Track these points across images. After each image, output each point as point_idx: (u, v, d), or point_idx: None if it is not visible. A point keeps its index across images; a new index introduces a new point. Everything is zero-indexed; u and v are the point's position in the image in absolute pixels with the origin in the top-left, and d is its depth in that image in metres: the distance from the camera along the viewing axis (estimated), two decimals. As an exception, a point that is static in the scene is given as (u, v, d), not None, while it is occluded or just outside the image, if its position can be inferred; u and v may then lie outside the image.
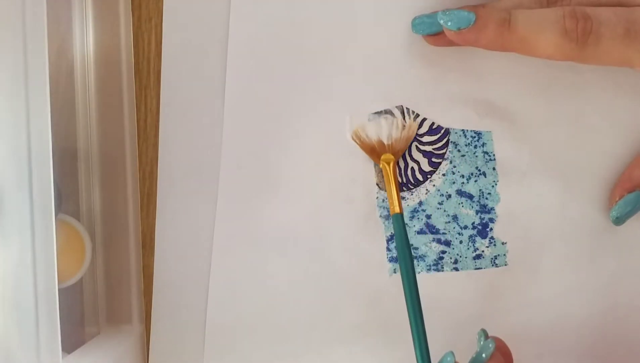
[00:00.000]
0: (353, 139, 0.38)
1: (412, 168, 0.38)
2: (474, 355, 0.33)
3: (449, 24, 0.33)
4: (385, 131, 0.37)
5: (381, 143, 0.37)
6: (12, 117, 0.29)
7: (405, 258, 0.35)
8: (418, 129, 0.38)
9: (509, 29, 0.33)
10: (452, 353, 0.32)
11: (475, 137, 0.38)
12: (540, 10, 0.33)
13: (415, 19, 0.37)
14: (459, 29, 0.33)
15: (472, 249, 0.38)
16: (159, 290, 0.39)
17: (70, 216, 0.37)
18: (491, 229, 0.38)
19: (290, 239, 0.38)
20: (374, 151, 0.37)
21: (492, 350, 0.32)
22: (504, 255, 0.38)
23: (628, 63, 0.33)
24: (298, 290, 0.38)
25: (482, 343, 0.33)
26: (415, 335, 0.34)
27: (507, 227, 0.38)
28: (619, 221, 0.37)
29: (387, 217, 0.38)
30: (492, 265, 0.38)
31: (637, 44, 0.32)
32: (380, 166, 0.37)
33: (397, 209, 0.36)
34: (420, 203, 0.38)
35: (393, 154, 0.37)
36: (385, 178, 0.37)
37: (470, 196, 0.38)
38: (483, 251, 0.38)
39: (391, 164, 0.37)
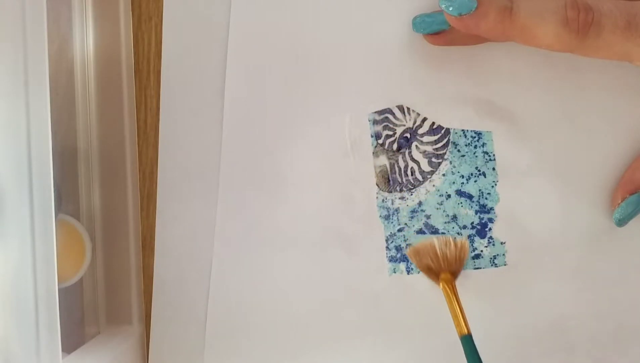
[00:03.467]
0: (409, 256, 0.37)
1: (412, 168, 0.38)
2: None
3: (450, 9, 0.33)
4: (439, 250, 0.36)
5: (437, 260, 0.36)
6: (12, 117, 0.29)
7: None
8: (418, 129, 0.38)
9: (510, 16, 0.33)
10: None
11: (475, 137, 0.38)
12: None
13: (415, 17, 0.37)
14: (460, 14, 0.33)
15: (471, 249, 0.38)
16: (159, 290, 0.39)
17: (70, 216, 0.37)
18: (490, 229, 0.38)
19: (291, 239, 0.38)
20: (430, 269, 0.37)
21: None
22: (503, 255, 0.38)
23: (627, 57, 0.33)
24: (298, 290, 0.38)
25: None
26: None
27: (506, 227, 0.38)
28: (621, 222, 0.37)
29: (387, 217, 0.38)
30: (492, 265, 0.38)
31: (638, 37, 0.32)
32: (441, 286, 0.36)
33: (464, 331, 0.34)
34: (420, 203, 0.38)
35: (451, 273, 0.36)
36: (447, 298, 0.35)
37: (470, 196, 0.38)
38: (482, 251, 0.38)
39: (451, 284, 0.36)
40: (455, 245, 0.36)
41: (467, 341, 0.34)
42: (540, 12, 0.32)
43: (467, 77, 0.38)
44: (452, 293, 0.35)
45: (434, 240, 0.37)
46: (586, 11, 0.32)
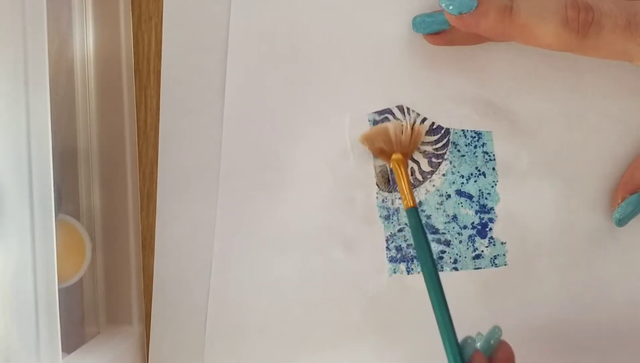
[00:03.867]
0: (361, 141, 0.38)
1: (412, 168, 0.38)
2: (482, 342, 0.33)
3: (451, 8, 0.33)
4: (392, 133, 0.37)
5: (390, 143, 0.37)
6: (12, 117, 0.29)
7: (424, 252, 0.34)
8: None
9: (510, 16, 0.33)
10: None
11: (475, 137, 0.38)
12: None
13: (415, 17, 0.37)
14: (460, 13, 0.33)
15: (471, 249, 0.38)
16: (159, 290, 0.39)
17: (70, 216, 0.37)
18: (490, 229, 0.38)
19: (291, 239, 0.38)
20: (383, 152, 0.37)
21: (500, 335, 0.33)
22: (504, 254, 0.38)
23: (627, 57, 0.33)
24: (298, 290, 0.38)
25: (489, 331, 0.33)
26: (442, 327, 0.33)
27: (506, 227, 0.38)
28: (621, 222, 0.37)
29: (387, 217, 0.38)
30: (492, 265, 0.38)
31: (638, 37, 0.32)
32: (391, 165, 0.37)
33: (410, 204, 0.36)
34: (420, 203, 0.38)
35: (402, 154, 0.37)
36: (396, 177, 0.37)
37: (470, 196, 0.38)
38: (482, 251, 0.38)
39: (401, 164, 0.37)
40: (412, 129, 0.37)
41: (413, 213, 0.35)
42: (541, 12, 0.32)
43: (467, 77, 0.38)
44: (402, 171, 0.36)
45: (388, 124, 0.37)
46: (586, 11, 0.32)
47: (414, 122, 0.38)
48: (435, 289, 0.34)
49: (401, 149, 0.37)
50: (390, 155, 0.37)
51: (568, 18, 0.32)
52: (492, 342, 0.33)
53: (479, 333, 0.34)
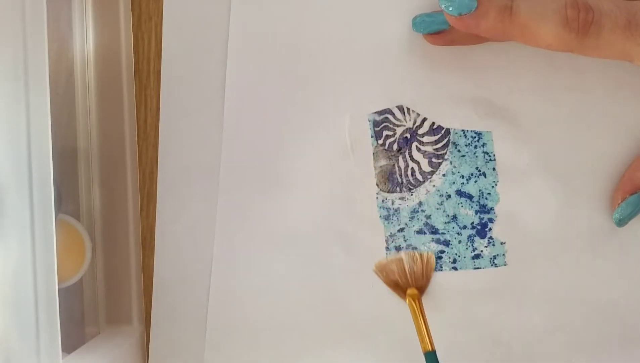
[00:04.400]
0: (375, 272, 0.38)
1: (412, 168, 0.38)
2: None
3: (450, 9, 0.33)
4: (407, 266, 0.37)
5: (405, 276, 0.37)
6: (12, 117, 0.29)
7: None
8: (418, 129, 0.38)
9: (510, 16, 0.33)
10: None
11: (475, 137, 0.38)
12: None
13: (415, 17, 0.37)
14: (460, 14, 0.33)
15: (470, 249, 0.38)
16: (159, 290, 0.39)
17: (70, 216, 0.37)
18: (490, 229, 0.38)
19: (291, 239, 0.38)
20: (397, 285, 0.37)
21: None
22: (503, 254, 0.38)
23: (627, 56, 0.33)
24: (298, 290, 0.38)
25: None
26: None
27: (506, 227, 0.38)
28: (621, 223, 0.37)
29: (387, 217, 0.38)
30: (491, 265, 0.38)
31: (638, 37, 0.32)
32: (407, 302, 0.36)
33: (428, 347, 0.35)
34: (420, 203, 0.38)
35: (417, 289, 0.37)
36: (412, 314, 0.36)
37: (470, 197, 0.38)
38: (482, 251, 0.38)
39: (417, 300, 0.36)
40: (422, 259, 0.37)
41: (431, 358, 0.34)
42: (541, 12, 0.32)
43: (467, 77, 0.38)
44: (419, 310, 0.36)
45: (402, 255, 0.37)
46: (586, 10, 0.32)
47: (425, 253, 0.37)
48: None
49: (415, 283, 0.37)
50: (405, 289, 0.37)
51: (568, 18, 0.32)
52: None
53: None
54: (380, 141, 0.38)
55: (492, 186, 0.38)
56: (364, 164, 0.38)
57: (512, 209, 0.38)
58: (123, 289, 0.39)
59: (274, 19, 0.38)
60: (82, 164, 0.39)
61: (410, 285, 0.37)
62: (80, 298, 0.39)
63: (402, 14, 0.38)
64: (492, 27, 0.33)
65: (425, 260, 0.37)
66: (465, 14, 0.33)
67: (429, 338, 0.35)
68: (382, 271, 0.37)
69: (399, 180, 0.38)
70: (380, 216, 0.38)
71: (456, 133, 0.38)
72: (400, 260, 0.37)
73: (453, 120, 0.38)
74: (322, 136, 0.38)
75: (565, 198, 0.37)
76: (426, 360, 0.34)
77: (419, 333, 0.35)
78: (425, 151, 0.38)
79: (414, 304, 0.36)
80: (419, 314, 0.36)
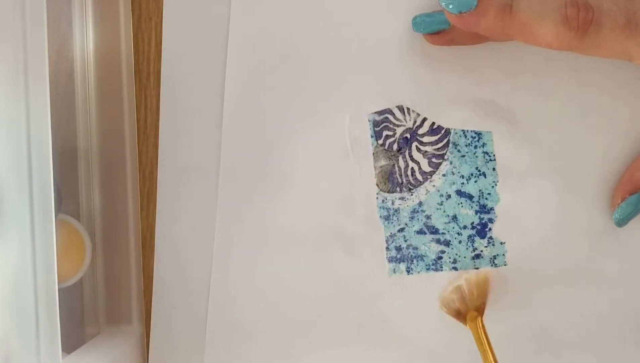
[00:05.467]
0: (441, 308, 0.37)
1: (412, 168, 0.38)
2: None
3: (450, 7, 0.33)
4: (466, 290, 0.37)
5: (464, 302, 0.37)
6: (12, 117, 0.29)
7: None
8: (418, 129, 0.38)
9: (510, 14, 0.33)
10: None
11: (475, 137, 0.38)
12: None
13: (415, 17, 0.37)
14: (460, 12, 0.33)
15: (470, 249, 0.38)
16: (159, 290, 0.39)
17: (70, 216, 0.37)
18: (490, 229, 0.38)
19: (291, 239, 0.38)
20: (459, 313, 0.37)
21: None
22: (503, 255, 0.38)
23: (627, 56, 0.33)
24: (298, 289, 0.38)
25: None
26: None
27: (506, 227, 0.38)
28: (621, 222, 0.37)
29: (387, 217, 0.38)
30: (491, 265, 0.38)
31: (637, 36, 0.32)
32: (468, 326, 0.36)
33: None
34: (420, 204, 0.38)
35: (476, 311, 0.36)
36: (476, 339, 0.35)
37: (470, 197, 0.38)
38: (482, 251, 0.38)
39: (479, 322, 0.35)
40: (477, 279, 0.37)
41: None
42: (540, 10, 0.32)
43: (467, 77, 0.38)
44: (482, 332, 0.35)
45: (461, 283, 0.37)
46: (586, 9, 0.32)
47: (482, 272, 0.37)
48: None
49: (473, 305, 0.36)
50: (465, 315, 0.36)
51: (568, 16, 0.32)
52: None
53: None
54: (380, 141, 0.38)
55: (492, 186, 0.38)
56: (364, 164, 0.38)
57: (512, 209, 0.38)
58: (123, 289, 0.39)
59: (273, 19, 0.38)
60: (82, 164, 0.39)
61: (469, 308, 0.36)
62: (80, 298, 0.39)
63: (402, 14, 0.38)
64: (491, 25, 0.33)
65: (482, 280, 0.37)
66: (465, 12, 0.33)
67: (495, 361, 0.34)
68: (446, 305, 0.37)
69: (399, 180, 0.38)
70: (380, 216, 0.38)
71: (456, 133, 0.38)
72: (459, 288, 0.37)
73: (453, 120, 0.38)
74: (322, 136, 0.38)
75: (565, 198, 0.37)
76: None
77: (484, 358, 0.35)
78: (425, 151, 0.38)
79: (478, 329, 0.35)
80: (484, 338, 0.35)
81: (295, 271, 0.38)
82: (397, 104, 0.38)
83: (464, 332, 0.37)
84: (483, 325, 0.35)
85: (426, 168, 0.38)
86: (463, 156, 0.38)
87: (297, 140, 0.38)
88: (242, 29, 0.39)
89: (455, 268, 0.38)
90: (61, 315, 0.29)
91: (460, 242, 0.38)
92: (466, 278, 0.37)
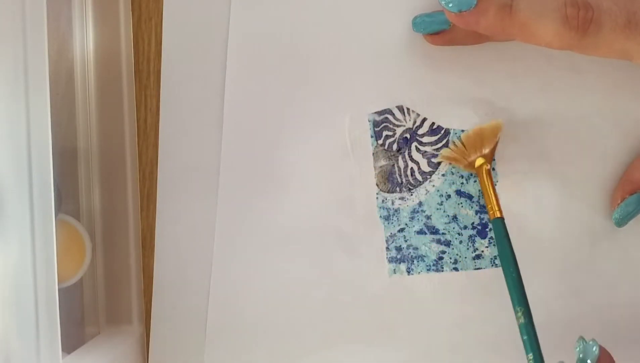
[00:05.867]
0: (442, 156, 0.37)
1: (412, 168, 0.38)
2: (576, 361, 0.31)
3: (450, 5, 0.33)
4: (471, 141, 0.37)
5: (473, 152, 0.37)
6: (12, 117, 0.29)
7: (509, 265, 0.34)
8: (418, 129, 0.38)
9: (510, 13, 0.33)
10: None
11: (475, 137, 0.38)
12: None
13: (415, 17, 0.37)
14: (460, 11, 0.33)
15: (471, 249, 0.38)
16: (159, 290, 0.39)
17: (70, 216, 0.37)
18: (490, 229, 0.38)
19: (291, 239, 0.38)
20: (458, 161, 0.37)
21: (597, 354, 0.31)
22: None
23: (627, 55, 0.33)
24: (298, 290, 0.38)
25: (582, 346, 0.31)
26: (529, 344, 0.33)
27: (506, 227, 0.38)
28: (621, 223, 0.37)
29: (387, 217, 0.38)
30: (492, 265, 0.38)
31: (637, 35, 0.32)
32: (476, 172, 0.37)
33: (497, 214, 0.35)
34: (420, 204, 0.38)
35: (483, 158, 0.37)
36: (481, 183, 0.36)
37: (470, 197, 0.38)
38: (483, 251, 0.38)
39: (484, 169, 0.36)
40: (483, 131, 0.36)
41: (498, 224, 0.35)
42: (540, 10, 0.32)
43: (467, 77, 0.38)
44: (488, 179, 0.36)
45: (460, 137, 0.37)
46: (586, 9, 0.32)
47: (493, 121, 0.37)
48: (520, 301, 0.33)
49: (482, 153, 0.37)
50: (473, 163, 0.37)
51: (568, 16, 0.32)
52: (588, 361, 0.31)
53: (581, 337, 0.32)
54: (380, 141, 0.38)
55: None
56: (363, 164, 0.38)
57: (512, 209, 0.38)
58: (123, 289, 0.39)
59: (273, 19, 0.38)
60: (82, 164, 0.39)
61: (476, 154, 0.37)
62: (80, 298, 0.39)
63: (402, 14, 0.38)
64: (491, 24, 0.33)
65: (490, 128, 0.37)
66: (465, 11, 0.33)
67: (497, 206, 0.35)
68: (445, 158, 0.37)
69: (399, 180, 0.38)
70: (380, 216, 0.38)
71: (456, 133, 0.38)
72: (458, 143, 0.37)
73: (453, 120, 0.38)
74: (322, 136, 0.38)
75: (565, 197, 0.37)
76: (494, 227, 0.35)
77: (488, 201, 0.36)
78: (425, 151, 0.38)
79: (483, 174, 0.36)
80: (488, 183, 0.36)
81: (295, 271, 0.38)
82: (397, 104, 0.38)
83: (464, 333, 0.37)
84: (489, 173, 0.36)
85: (426, 168, 0.38)
86: (463, 156, 0.38)
87: (297, 140, 0.38)
88: (242, 29, 0.39)
89: (455, 269, 0.38)
90: (61, 315, 0.29)
91: (460, 242, 0.38)
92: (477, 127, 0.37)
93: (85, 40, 0.39)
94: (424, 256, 0.38)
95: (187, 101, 0.39)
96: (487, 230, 0.38)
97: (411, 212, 0.38)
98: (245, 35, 0.39)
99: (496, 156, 0.38)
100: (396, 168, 0.38)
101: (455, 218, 0.38)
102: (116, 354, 0.37)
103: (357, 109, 0.38)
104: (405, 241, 0.38)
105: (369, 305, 0.38)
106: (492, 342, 0.38)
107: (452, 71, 0.38)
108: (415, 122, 0.38)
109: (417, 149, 0.38)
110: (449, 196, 0.38)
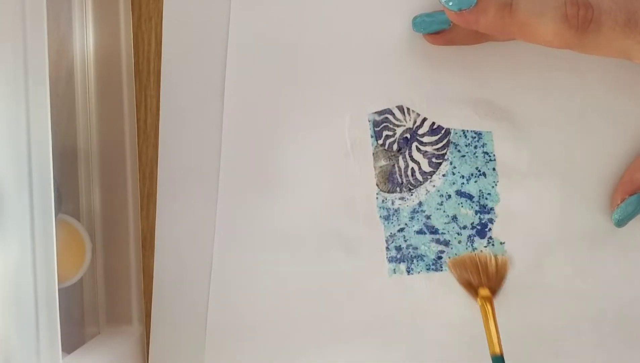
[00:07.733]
0: (450, 269, 0.37)
1: (412, 168, 0.38)
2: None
3: (450, 4, 0.33)
4: (481, 264, 0.37)
5: (478, 275, 0.36)
6: (12, 117, 0.29)
7: None
8: (418, 129, 0.38)
9: (510, 12, 0.33)
10: None
11: (475, 137, 0.38)
12: None
13: (415, 17, 0.37)
14: (460, 9, 0.33)
15: (470, 249, 0.38)
16: (159, 290, 0.39)
17: (70, 216, 0.37)
18: (490, 229, 0.38)
19: (290, 239, 0.38)
20: (470, 284, 0.37)
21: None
22: (503, 255, 0.38)
23: (627, 55, 0.33)
24: (298, 290, 0.38)
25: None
26: None
27: (506, 227, 0.38)
28: (621, 223, 0.37)
29: (387, 217, 0.38)
30: (492, 265, 0.38)
31: (637, 34, 0.32)
32: (479, 303, 0.36)
33: (497, 350, 0.34)
34: (420, 204, 0.38)
35: (490, 290, 0.36)
36: (483, 316, 0.35)
37: (470, 197, 0.38)
38: (481, 251, 0.38)
39: (489, 302, 0.36)
40: (496, 261, 0.36)
41: (499, 362, 0.34)
42: (540, 9, 0.32)
43: (467, 77, 0.38)
44: (490, 312, 0.35)
45: (478, 254, 0.37)
46: (586, 8, 0.32)
47: (497, 255, 0.37)
48: None
49: (488, 284, 0.36)
50: (477, 289, 0.36)
51: (567, 15, 0.32)
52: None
53: None
54: (380, 141, 0.38)
55: (492, 186, 0.38)
56: (364, 164, 0.38)
57: (512, 210, 0.38)
58: (123, 289, 0.39)
59: (273, 19, 0.38)
60: (82, 164, 0.39)
61: (482, 285, 0.36)
62: (80, 298, 0.39)
63: (402, 14, 0.38)
64: (491, 23, 0.33)
65: (500, 263, 0.36)
66: (465, 10, 0.33)
67: (498, 342, 0.34)
68: (456, 268, 0.37)
69: (399, 180, 0.38)
70: (380, 216, 0.38)
71: (456, 133, 0.38)
72: (474, 257, 0.36)
73: (453, 120, 0.38)
74: (322, 136, 0.38)
75: (565, 198, 0.37)
76: None
77: (488, 336, 0.35)
78: (425, 151, 0.38)
79: (486, 306, 0.35)
80: (491, 316, 0.35)
81: (295, 271, 0.38)
82: (397, 104, 0.38)
83: (463, 333, 0.37)
84: (493, 306, 0.35)
85: (426, 168, 0.38)
86: (463, 156, 0.38)
87: (297, 140, 0.38)
88: (242, 29, 0.39)
89: (455, 268, 0.38)
90: (61, 315, 0.29)
91: (459, 242, 0.38)
92: (485, 255, 0.36)
93: (85, 40, 0.39)
94: (423, 255, 0.38)
95: (187, 101, 0.39)
96: (487, 230, 0.38)
97: (411, 212, 0.38)
98: (245, 35, 0.39)
99: (496, 156, 0.38)
100: (396, 168, 0.38)
101: (455, 218, 0.38)
102: (116, 354, 0.37)
103: (357, 109, 0.38)
104: (405, 241, 0.38)
105: (369, 305, 0.38)
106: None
107: (452, 71, 0.38)
108: (415, 122, 0.38)
109: (418, 149, 0.38)
110: (449, 196, 0.38)
